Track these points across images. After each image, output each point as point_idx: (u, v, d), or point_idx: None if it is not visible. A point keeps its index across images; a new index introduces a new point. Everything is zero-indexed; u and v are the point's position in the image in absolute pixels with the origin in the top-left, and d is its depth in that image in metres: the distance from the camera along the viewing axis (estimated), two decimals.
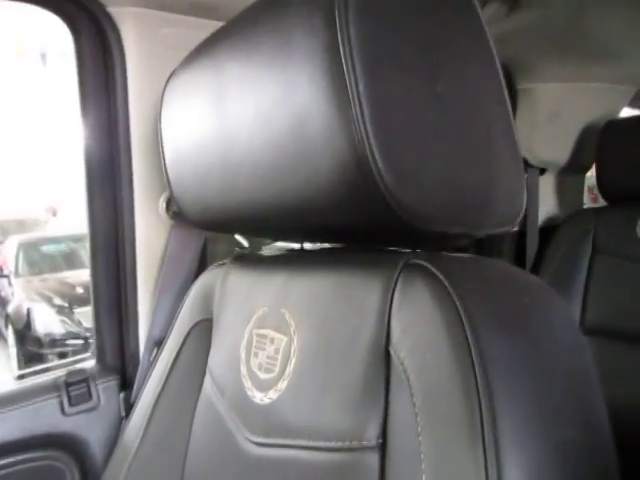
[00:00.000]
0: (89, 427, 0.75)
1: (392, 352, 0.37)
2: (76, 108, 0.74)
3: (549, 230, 1.35)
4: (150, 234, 0.76)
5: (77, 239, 5.76)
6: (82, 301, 4.33)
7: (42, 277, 4.99)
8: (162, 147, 0.58)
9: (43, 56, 11.07)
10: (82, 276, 4.84)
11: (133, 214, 0.75)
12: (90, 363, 0.80)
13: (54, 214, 7.28)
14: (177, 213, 0.74)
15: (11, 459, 0.69)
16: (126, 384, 0.77)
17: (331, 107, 0.35)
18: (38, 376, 0.77)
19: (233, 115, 0.45)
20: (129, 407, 0.73)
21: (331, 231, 0.47)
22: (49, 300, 4.48)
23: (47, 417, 0.72)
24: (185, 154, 0.53)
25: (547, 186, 1.42)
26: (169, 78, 0.57)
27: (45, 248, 5.57)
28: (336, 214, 0.40)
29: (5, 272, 5.19)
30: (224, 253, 0.82)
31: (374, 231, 0.42)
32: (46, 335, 4.12)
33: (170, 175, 0.57)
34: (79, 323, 4.18)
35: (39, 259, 5.39)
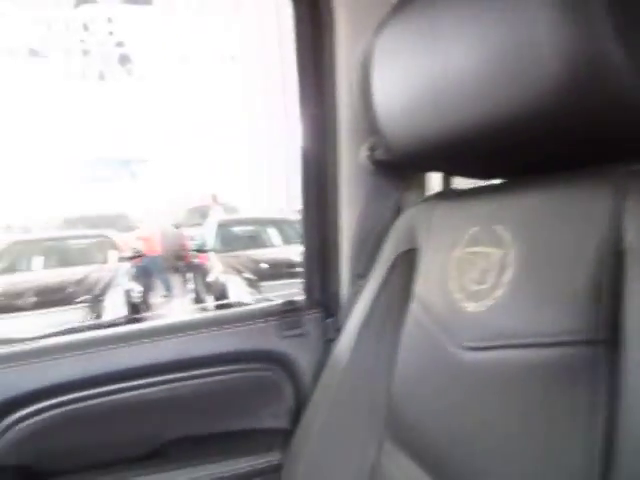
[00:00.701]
0: (299, 350, 0.86)
1: (628, 251, 0.37)
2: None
3: None
4: (352, 181, 0.83)
5: (261, 222, 6.46)
6: (266, 276, 4.82)
7: (234, 254, 5.67)
8: (371, 94, 0.63)
9: (233, 58, 12.51)
10: (266, 254, 5.40)
11: (336, 163, 0.84)
12: (299, 298, 0.91)
13: (216, 201, 8.32)
14: (377, 161, 0.80)
15: (242, 366, 0.84)
16: (328, 315, 0.86)
17: (563, 5, 0.35)
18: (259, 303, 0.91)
19: (448, 45, 0.47)
20: (333, 334, 0.81)
21: (550, 146, 0.47)
22: (239, 274, 5.08)
23: (267, 336, 0.85)
24: (397, 95, 0.58)
25: None
26: (378, 28, 0.62)
27: (235, 229, 6.35)
28: (560, 122, 0.41)
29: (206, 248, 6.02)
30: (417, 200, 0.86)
31: (605, 139, 0.42)
32: (238, 303, 4.68)
33: (380, 119, 0.62)
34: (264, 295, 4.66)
35: (231, 238, 6.14)
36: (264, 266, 5.16)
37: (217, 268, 5.42)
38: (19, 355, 0.76)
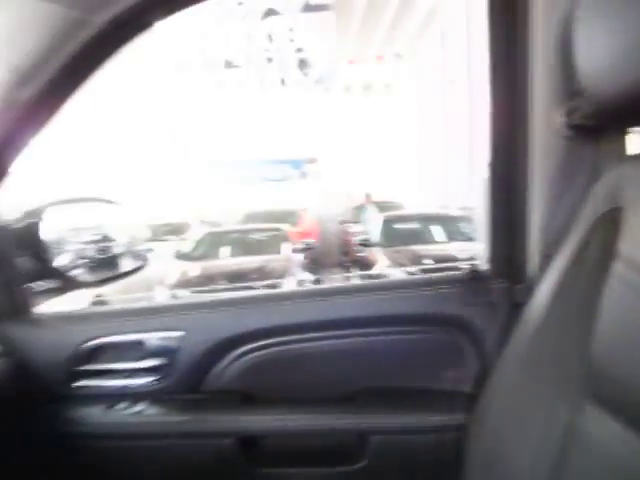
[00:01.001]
0: (484, 317, 0.87)
1: None
2: None
3: None
4: (544, 148, 0.82)
5: (425, 218, 6.44)
6: (430, 272, 4.78)
7: (398, 249, 5.74)
8: (573, 54, 0.62)
9: (397, 56, 12.71)
10: (430, 250, 5.38)
11: (527, 131, 0.82)
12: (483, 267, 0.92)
13: (369, 199, 8.64)
14: (574, 126, 0.77)
15: (427, 327, 0.89)
16: (515, 282, 0.86)
17: None
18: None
19: None
20: (523, 300, 0.81)
21: None
22: (403, 268, 5.12)
23: (452, 302, 0.89)
24: (605, 49, 0.56)
25: None
26: None
27: (399, 225, 6.43)
28: None
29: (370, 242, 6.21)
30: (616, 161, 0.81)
31: None
32: None
33: (584, 78, 0.61)
34: None
35: (395, 234, 6.24)
36: (428, 262, 5.13)
37: (381, 262, 5.54)
38: (247, 300, 0.93)
